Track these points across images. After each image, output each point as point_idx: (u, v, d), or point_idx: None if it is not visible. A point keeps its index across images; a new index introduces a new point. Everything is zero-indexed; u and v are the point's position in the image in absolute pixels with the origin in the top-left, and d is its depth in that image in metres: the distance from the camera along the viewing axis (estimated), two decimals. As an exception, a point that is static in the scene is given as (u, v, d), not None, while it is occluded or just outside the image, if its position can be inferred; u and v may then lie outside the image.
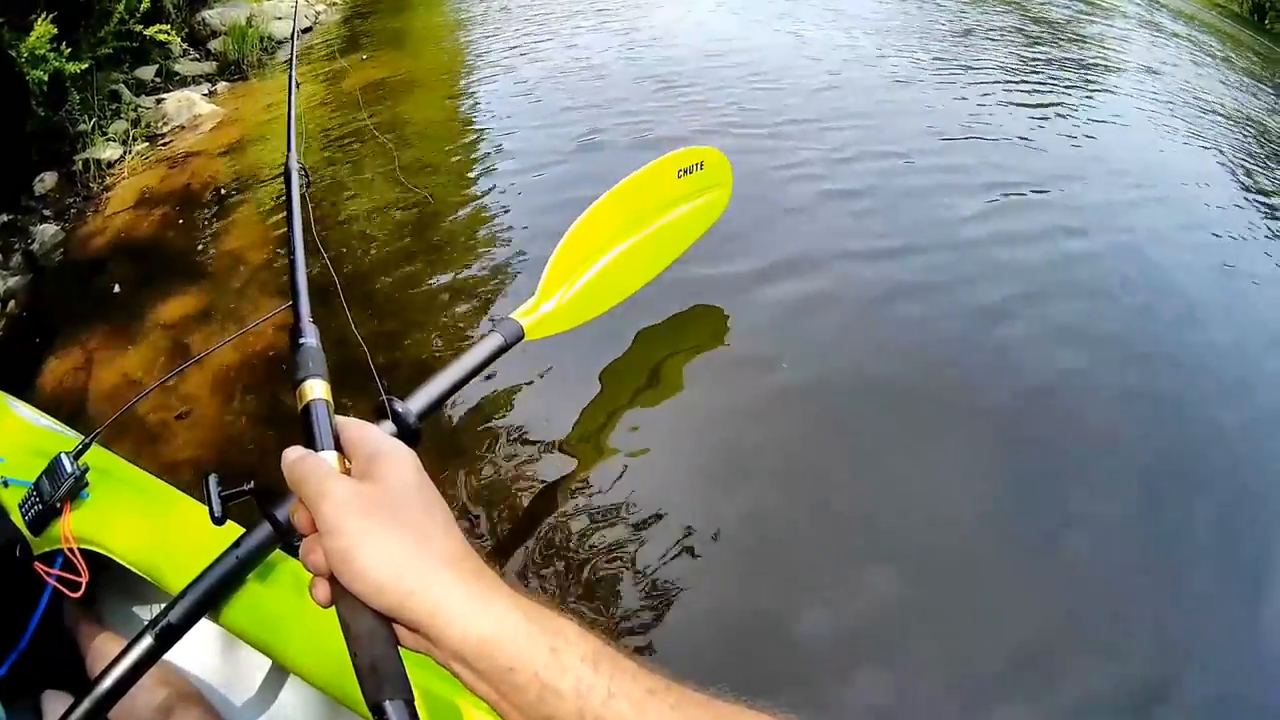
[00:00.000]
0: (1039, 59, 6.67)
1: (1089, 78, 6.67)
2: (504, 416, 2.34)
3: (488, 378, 2.15)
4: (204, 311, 3.19)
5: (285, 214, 1.24)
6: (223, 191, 4.37)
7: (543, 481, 2.23)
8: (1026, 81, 6.03)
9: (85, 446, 1.38)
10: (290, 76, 1.77)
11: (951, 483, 2.40)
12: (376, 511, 0.56)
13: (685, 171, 2.39)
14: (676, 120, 4.75)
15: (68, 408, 2.74)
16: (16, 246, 4.08)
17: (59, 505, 1.30)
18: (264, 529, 1.22)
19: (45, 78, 4.55)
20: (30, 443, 1.55)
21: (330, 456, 0.64)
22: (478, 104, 5.52)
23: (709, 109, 4.91)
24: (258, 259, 3.54)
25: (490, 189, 4.06)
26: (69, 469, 1.32)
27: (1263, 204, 4.80)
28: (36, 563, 1.31)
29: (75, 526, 1.29)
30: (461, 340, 2.62)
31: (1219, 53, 9.21)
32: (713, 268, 2.95)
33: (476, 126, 5.01)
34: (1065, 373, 2.89)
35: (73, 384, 2.79)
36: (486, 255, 3.31)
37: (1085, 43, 7.97)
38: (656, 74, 5.69)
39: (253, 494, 0.75)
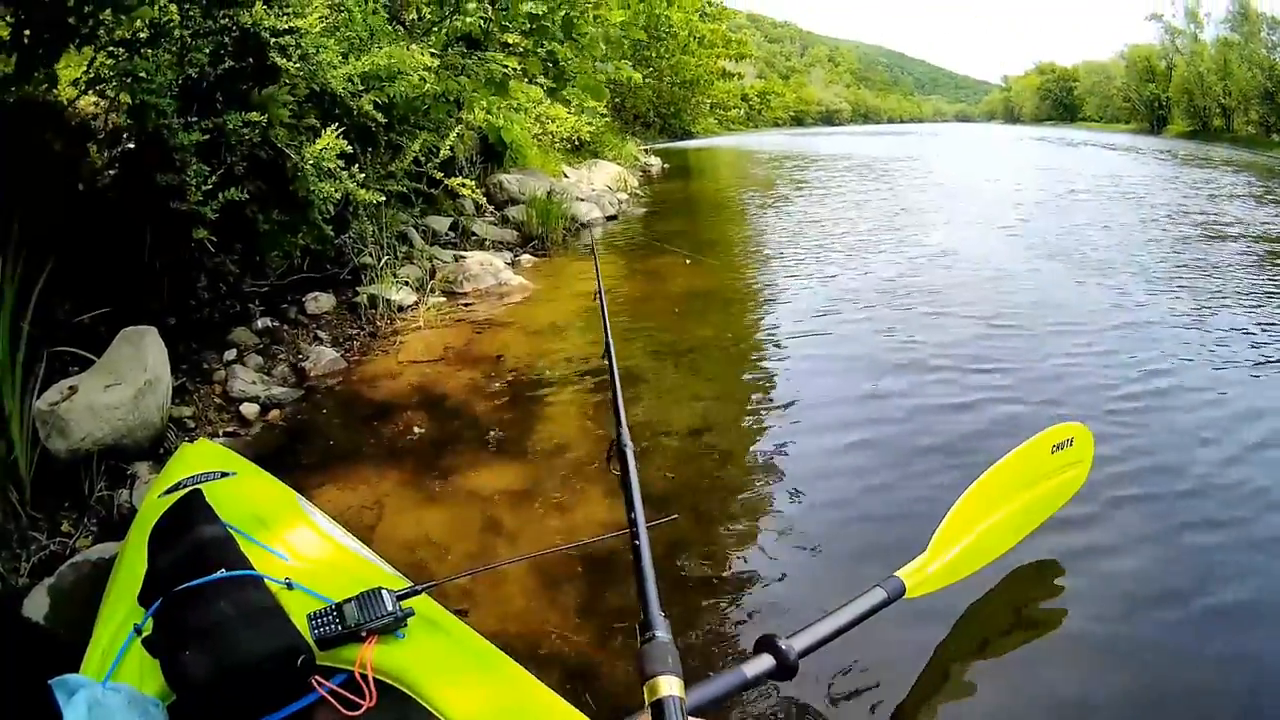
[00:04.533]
0: None
1: None
2: (867, 666, 2.17)
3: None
4: (523, 493, 2.95)
5: (624, 490, 1.35)
6: (539, 376, 4.02)
7: None
8: None
9: (414, 593, 1.41)
10: (611, 369, 1.96)
11: None
12: None
13: (1058, 447, 2.54)
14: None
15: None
16: (282, 356, 3.87)
17: (364, 635, 1.30)
18: None
19: (335, 195, 4.07)
20: (328, 558, 1.64)
21: None
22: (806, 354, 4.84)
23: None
24: (580, 456, 3.20)
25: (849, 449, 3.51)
26: (390, 607, 1.33)
27: None
28: (316, 676, 1.28)
29: (377, 659, 1.29)
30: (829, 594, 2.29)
31: None
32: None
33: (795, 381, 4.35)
34: None
35: (358, 521, 2.64)
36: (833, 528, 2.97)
37: None
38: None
39: None
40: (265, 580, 1.43)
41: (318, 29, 3.98)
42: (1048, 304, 5.65)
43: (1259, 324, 5.21)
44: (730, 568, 2.63)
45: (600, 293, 2.66)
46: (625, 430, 1.62)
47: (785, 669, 1.57)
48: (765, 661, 1.55)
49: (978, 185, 14.64)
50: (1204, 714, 2.14)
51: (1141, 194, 13.13)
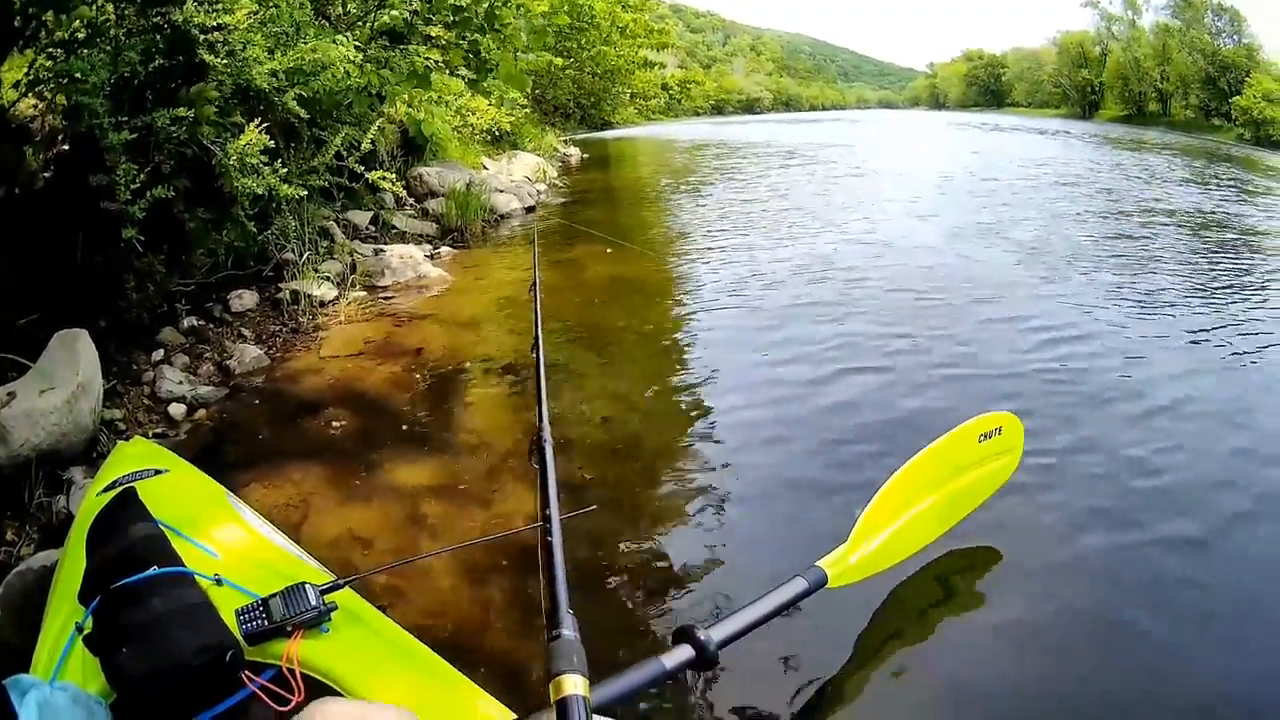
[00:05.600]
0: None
1: None
2: (787, 656, 2.21)
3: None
4: (442, 488, 2.97)
5: (540, 482, 1.33)
6: (459, 368, 4.05)
7: None
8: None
9: (337, 586, 1.43)
10: (539, 364, 1.93)
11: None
12: None
13: (986, 436, 2.52)
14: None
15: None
16: (207, 355, 3.86)
17: (289, 630, 1.33)
18: None
19: (259, 191, 4.07)
20: (256, 554, 1.64)
21: None
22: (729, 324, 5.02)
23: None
24: (502, 449, 3.23)
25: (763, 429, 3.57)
26: (314, 601, 1.35)
27: None
28: (245, 671, 1.29)
29: (303, 653, 1.31)
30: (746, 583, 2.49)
31: None
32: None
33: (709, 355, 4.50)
34: None
35: (284, 518, 2.64)
36: (770, 507, 3.03)
37: None
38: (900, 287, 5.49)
39: None
40: (195, 576, 1.44)
41: (245, 24, 4.00)
42: (975, 288, 5.72)
43: (1194, 307, 5.38)
44: (650, 558, 2.64)
45: (536, 284, 2.70)
46: (547, 425, 1.62)
47: (704, 660, 1.55)
48: (684, 652, 1.52)
49: (901, 170, 14.91)
50: (1129, 698, 2.16)
51: (1075, 177, 13.56)
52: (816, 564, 2.02)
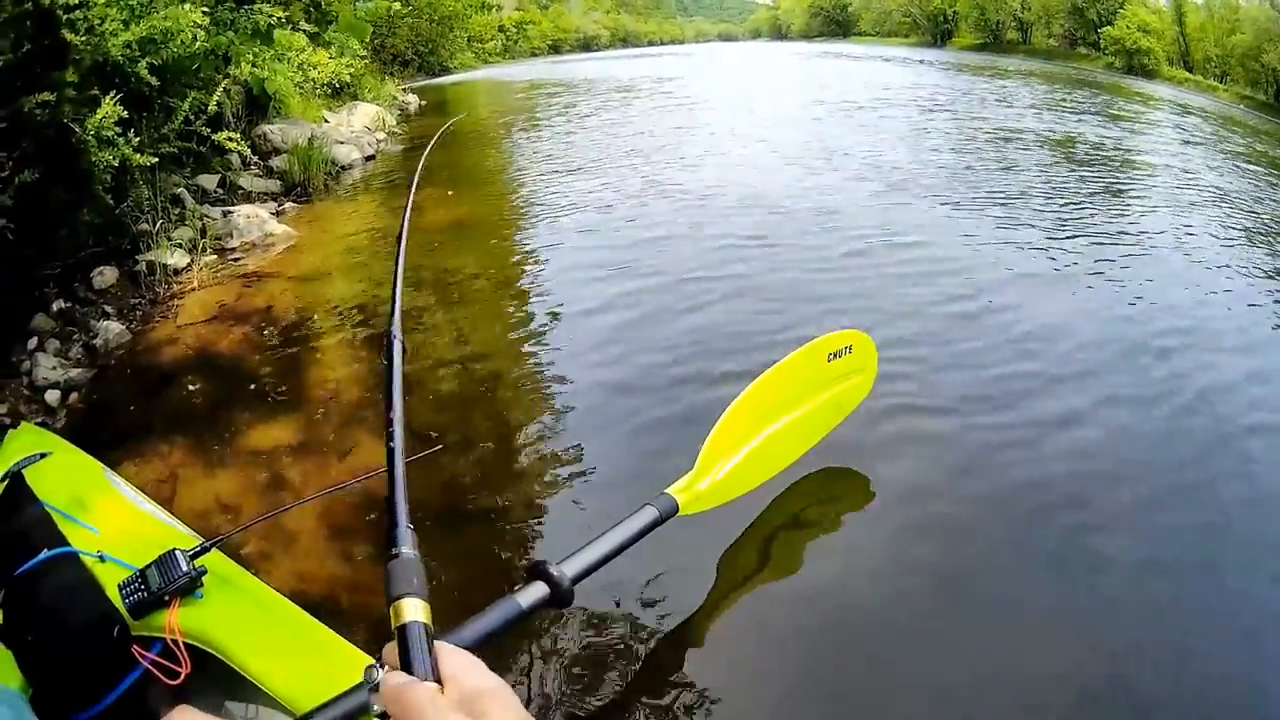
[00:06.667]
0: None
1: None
2: (643, 588, 2.24)
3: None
4: (300, 445, 3.02)
5: (385, 386, 1.18)
6: (309, 322, 4.14)
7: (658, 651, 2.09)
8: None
9: (205, 550, 1.44)
10: (399, 252, 1.68)
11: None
12: None
13: (835, 355, 2.48)
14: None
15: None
16: (76, 337, 3.88)
17: (167, 599, 1.35)
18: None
19: (114, 163, 4.12)
20: (133, 526, 1.65)
21: (434, 688, 0.61)
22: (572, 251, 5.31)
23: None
24: (354, 397, 3.33)
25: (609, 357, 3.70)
26: (185, 567, 1.36)
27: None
28: (135, 645, 1.34)
29: (183, 621, 1.34)
30: (601, 511, 2.51)
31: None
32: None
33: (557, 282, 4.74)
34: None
35: (156, 494, 2.54)
36: (615, 433, 3.08)
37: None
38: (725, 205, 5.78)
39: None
40: (80, 555, 1.46)
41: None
42: (821, 215, 5.91)
43: (1046, 232, 5.76)
44: (500, 496, 2.65)
45: (415, 179, 2.53)
46: (398, 322, 1.51)
47: (560, 597, 1.50)
48: (539, 590, 1.47)
49: (730, 99, 15.13)
50: (986, 611, 2.20)
51: (927, 101, 14.08)
52: (666, 491, 1.98)
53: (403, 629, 0.68)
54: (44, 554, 1.44)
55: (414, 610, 0.70)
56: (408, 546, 0.79)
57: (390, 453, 1.00)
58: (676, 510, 1.93)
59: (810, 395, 2.43)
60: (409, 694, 0.58)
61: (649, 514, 1.86)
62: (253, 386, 3.45)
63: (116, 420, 3.26)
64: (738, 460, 2.16)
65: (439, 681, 0.62)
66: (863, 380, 2.66)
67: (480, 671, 0.63)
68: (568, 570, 1.56)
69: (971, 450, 2.94)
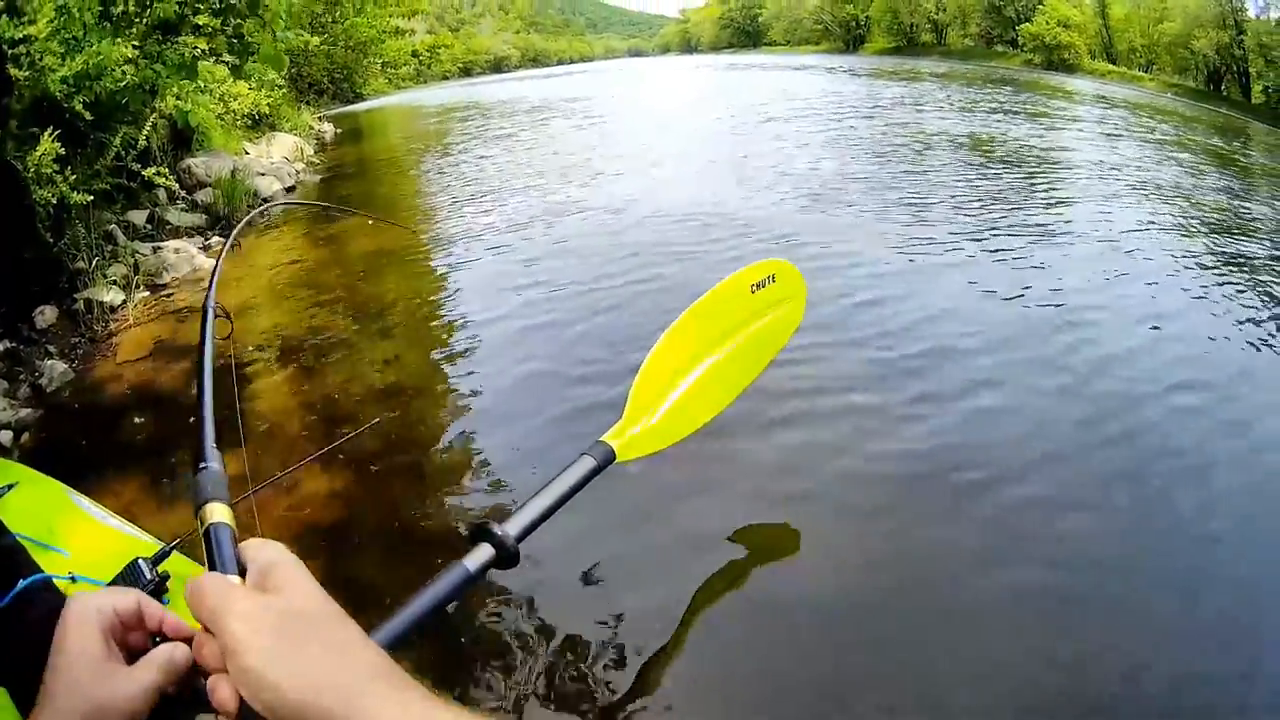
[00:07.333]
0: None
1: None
2: (587, 544, 2.33)
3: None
4: (242, 476, 2.92)
5: (199, 352, 1.29)
6: (241, 355, 4.15)
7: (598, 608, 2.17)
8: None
9: (165, 554, 1.43)
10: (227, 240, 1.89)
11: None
12: (288, 625, 0.55)
13: (758, 285, 2.40)
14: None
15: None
16: (22, 377, 3.91)
17: None
18: None
19: (53, 200, 4.11)
20: (100, 544, 1.64)
21: (235, 580, 0.63)
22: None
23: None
24: (297, 426, 3.40)
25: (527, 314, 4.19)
26: (148, 575, 1.37)
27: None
28: None
29: None
30: (535, 462, 2.72)
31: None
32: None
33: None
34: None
35: None
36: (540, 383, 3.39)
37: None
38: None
39: None
40: (53, 580, 1.42)
41: (45, 33, 4.00)
42: (730, 222, 6.17)
43: (953, 228, 6.01)
44: (434, 464, 2.77)
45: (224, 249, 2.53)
46: (213, 293, 1.65)
47: (506, 557, 1.45)
48: (485, 552, 1.41)
49: (651, 117, 15.41)
50: (924, 553, 2.32)
51: (842, 110, 14.17)
52: (601, 440, 1.94)
53: (208, 531, 0.73)
54: (19, 584, 1.34)
55: (218, 513, 0.75)
56: (215, 462, 0.89)
57: (201, 385, 1.13)
58: (614, 457, 1.87)
59: (738, 330, 2.36)
60: (204, 583, 0.59)
61: (587, 464, 1.80)
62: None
63: (65, 461, 3.25)
64: (671, 402, 2.11)
65: (242, 575, 0.64)
66: (792, 308, 2.56)
67: (272, 549, 0.64)
68: (511, 529, 1.51)
69: (861, 425, 3.03)
